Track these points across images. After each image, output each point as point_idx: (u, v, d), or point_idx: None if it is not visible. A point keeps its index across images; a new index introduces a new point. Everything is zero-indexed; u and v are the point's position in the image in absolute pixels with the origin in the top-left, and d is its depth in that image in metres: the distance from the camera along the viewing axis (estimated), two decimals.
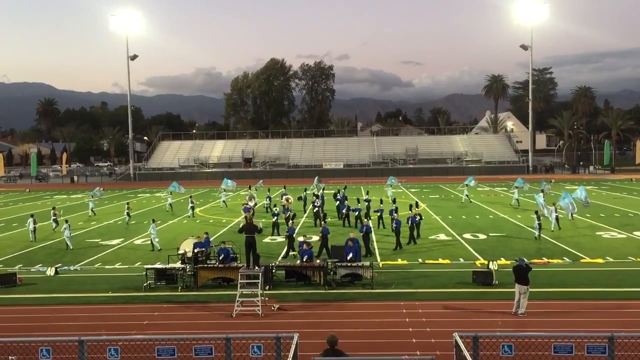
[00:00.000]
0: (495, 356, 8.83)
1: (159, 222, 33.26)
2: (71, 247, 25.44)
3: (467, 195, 40.30)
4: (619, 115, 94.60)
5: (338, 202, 33.04)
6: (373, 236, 25.78)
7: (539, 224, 25.44)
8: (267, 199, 36.93)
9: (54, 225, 30.73)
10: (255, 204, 36.37)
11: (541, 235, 25.37)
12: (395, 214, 24.74)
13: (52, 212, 31.78)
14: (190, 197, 38.55)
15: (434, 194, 47.54)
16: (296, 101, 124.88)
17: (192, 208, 36.05)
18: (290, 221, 25.77)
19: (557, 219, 27.12)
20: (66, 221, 26.71)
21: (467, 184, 41.56)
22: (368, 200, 31.98)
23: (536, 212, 26.46)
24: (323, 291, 17.18)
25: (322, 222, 25.33)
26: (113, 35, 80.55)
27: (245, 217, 21.48)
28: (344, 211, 30.25)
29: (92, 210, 37.37)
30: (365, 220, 24.48)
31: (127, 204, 35.56)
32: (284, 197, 33.76)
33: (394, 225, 23.80)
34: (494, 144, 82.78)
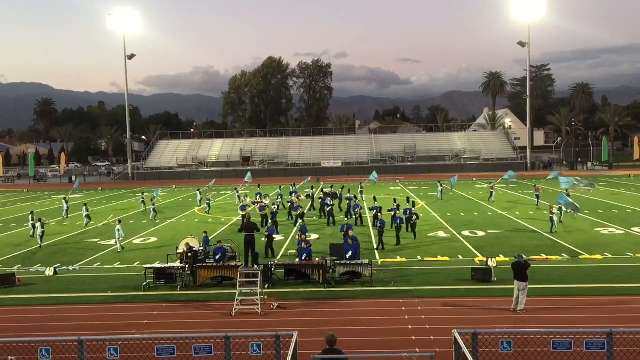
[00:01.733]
0: (495, 352, 8.85)
1: (157, 221, 33.40)
2: (40, 245, 25.88)
3: (441, 192, 41.24)
4: (616, 112, 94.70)
5: (320, 199, 33.21)
6: (372, 237, 25.77)
7: (551, 218, 26.10)
8: (279, 197, 37.00)
9: (85, 220, 32.18)
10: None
11: (554, 227, 25.96)
12: (380, 214, 24.60)
13: (84, 207, 32.99)
14: (208, 192, 38.71)
15: (432, 191, 47.46)
16: (294, 99, 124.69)
17: (209, 204, 37.01)
18: (270, 221, 25.66)
19: (552, 220, 26.82)
20: (39, 220, 26.75)
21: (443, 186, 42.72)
22: (350, 199, 31.88)
23: (550, 206, 26.80)
24: (322, 289, 17.19)
25: (301, 220, 25.32)
26: (110, 35, 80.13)
27: (244, 216, 21.45)
28: (357, 210, 29.51)
29: (66, 212, 36.31)
30: (346, 219, 24.23)
31: (152, 199, 36.13)
32: (294, 195, 33.88)
33: (378, 225, 23.47)
34: (492, 141, 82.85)
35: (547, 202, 33.25)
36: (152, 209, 34.62)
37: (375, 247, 23.40)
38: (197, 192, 41.22)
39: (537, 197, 36.37)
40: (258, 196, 35.83)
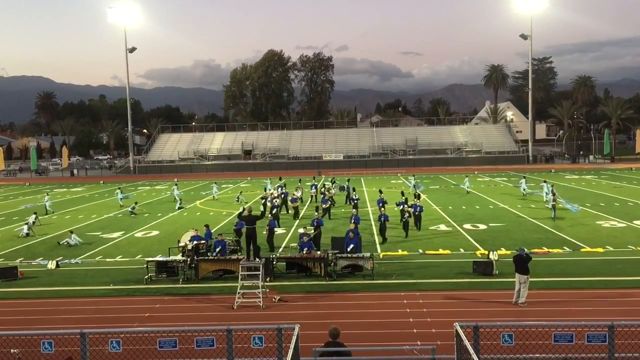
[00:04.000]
0: (496, 345, 8.86)
1: (159, 214, 33.45)
2: (31, 235, 27.07)
3: (414, 186, 40.74)
4: (618, 104, 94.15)
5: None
6: (374, 231, 25.74)
7: (553, 206, 27.53)
8: (313, 188, 37.00)
9: (131, 214, 33.48)
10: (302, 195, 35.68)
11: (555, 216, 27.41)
12: (355, 210, 24.25)
13: (133, 204, 34.77)
14: (240, 192, 38.65)
15: (433, 184, 47.49)
16: (295, 93, 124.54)
17: (238, 198, 36.85)
18: (270, 214, 25.63)
19: (554, 207, 28.08)
20: (34, 213, 27.78)
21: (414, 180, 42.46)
22: (323, 193, 31.75)
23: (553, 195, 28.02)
24: (324, 282, 17.22)
25: (269, 215, 25.26)
26: (111, 28, 79.96)
27: (247, 209, 21.38)
28: (381, 205, 27.34)
29: (47, 209, 35.13)
30: (317, 214, 23.86)
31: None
32: (314, 188, 33.80)
33: (353, 221, 22.48)
34: (493, 134, 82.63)
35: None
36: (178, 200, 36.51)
37: (376, 238, 23.32)
38: (175, 187, 40.46)
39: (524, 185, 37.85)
40: (280, 188, 35.55)
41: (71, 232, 25.46)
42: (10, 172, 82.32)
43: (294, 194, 32.05)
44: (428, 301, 15.12)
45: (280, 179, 41.44)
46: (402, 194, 29.28)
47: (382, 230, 23.32)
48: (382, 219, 23.45)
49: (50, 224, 30.49)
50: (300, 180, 40.65)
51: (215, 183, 43.54)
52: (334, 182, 39.41)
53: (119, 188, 40.16)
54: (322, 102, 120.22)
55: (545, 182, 34.59)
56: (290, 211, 31.20)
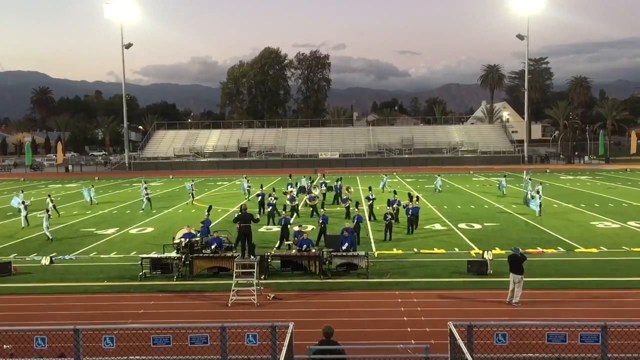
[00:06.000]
0: (490, 345, 8.89)
1: (153, 211, 33.35)
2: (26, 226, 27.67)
3: (388, 185, 41.11)
4: (614, 106, 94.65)
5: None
6: (364, 229, 25.73)
7: (540, 203, 28.70)
8: (323, 185, 36.91)
9: (145, 202, 34.02)
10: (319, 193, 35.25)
11: (540, 213, 28.53)
12: (323, 209, 24.23)
13: (143, 186, 35.72)
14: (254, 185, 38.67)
15: (429, 184, 47.50)
16: (292, 91, 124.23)
17: (252, 195, 36.59)
18: (284, 211, 25.64)
19: (540, 205, 29.05)
20: (23, 202, 28.52)
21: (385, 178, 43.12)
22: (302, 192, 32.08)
23: (538, 192, 28.94)
24: (318, 281, 17.22)
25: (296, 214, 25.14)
26: (108, 24, 79.49)
27: (241, 207, 21.24)
28: (394, 205, 26.91)
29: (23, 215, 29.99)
30: (284, 212, 23.68)
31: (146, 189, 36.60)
32: (344, 187, 33.92)
33: (320, 221, 22.35)
34: (489, 134, 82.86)
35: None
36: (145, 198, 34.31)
37: (371, 236, 23.36)
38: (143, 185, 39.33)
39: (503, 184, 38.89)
40: (289, 186, 35.32)
41: (47, 210, 25.85)
42: (4, 167, 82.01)
43: (311, 192, 32.05)
44: (422, 300, 15.14)
45: (290, 176, 40.98)
46: (412, 197, 29.01)
47: (356, 231, 22.12)
48: (356, 220, 22.85)
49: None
50: (310, 177, 40.33)
51: (192, 181, 41.70)
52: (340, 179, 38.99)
53: (92, 186, 39.71)
54: (318, 100, 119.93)
55: (530, 179, 35.53)
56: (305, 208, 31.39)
